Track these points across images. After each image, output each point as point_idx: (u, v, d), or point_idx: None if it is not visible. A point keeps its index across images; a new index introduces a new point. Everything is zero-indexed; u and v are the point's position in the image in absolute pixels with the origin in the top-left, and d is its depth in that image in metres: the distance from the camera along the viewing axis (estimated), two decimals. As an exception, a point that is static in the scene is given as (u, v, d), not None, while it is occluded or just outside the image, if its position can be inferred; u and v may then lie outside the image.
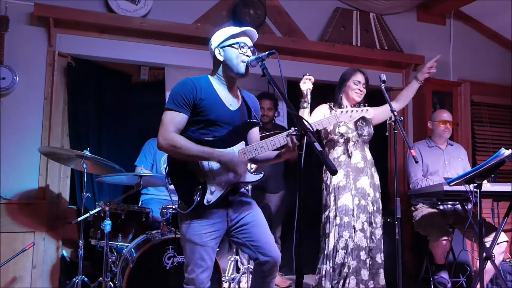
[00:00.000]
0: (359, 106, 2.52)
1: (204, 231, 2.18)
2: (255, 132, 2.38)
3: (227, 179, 2.18)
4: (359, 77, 3.32)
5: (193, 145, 2.14)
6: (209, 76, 2.32)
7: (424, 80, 3.44)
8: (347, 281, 3.10)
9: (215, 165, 2.17)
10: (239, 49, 2.22)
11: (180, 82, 2.25)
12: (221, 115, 2.22)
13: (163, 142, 2.14)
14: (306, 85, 2.95)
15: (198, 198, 2.13)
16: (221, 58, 2.26)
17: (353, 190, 3.20)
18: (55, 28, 3.72)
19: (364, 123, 3.33)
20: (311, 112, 3.19)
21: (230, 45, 2.24)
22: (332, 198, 3.22)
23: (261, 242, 2.24)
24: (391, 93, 4.79)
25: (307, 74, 2.96)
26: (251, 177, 2.23)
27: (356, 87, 3.30)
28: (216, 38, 2.29)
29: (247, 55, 2.22)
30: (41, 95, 3.71)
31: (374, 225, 3.22)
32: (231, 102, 2.29)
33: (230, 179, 2.18)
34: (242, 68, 2.23)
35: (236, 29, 2.27)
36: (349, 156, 3.25)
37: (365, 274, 3.14)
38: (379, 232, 3.24)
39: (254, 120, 2.32)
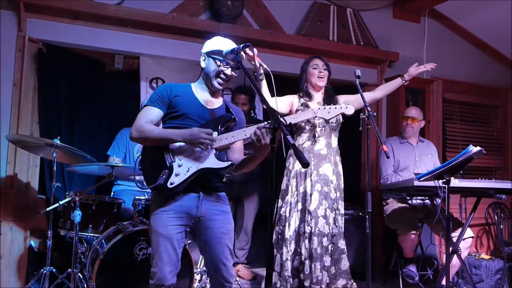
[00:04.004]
0: (334, 100, 2.51)
1: (170, 223, 2.20)
2: (238, 144, 2.36)
3: (192, 159, 2.19)
4: (316, 61, 3.39)
5: (157, 129, 2.23)
6: (192, 84, 2.39)
7: (408, 80, 3.57)
8: (312, 266, 3.16)
9: (183, 148, 2.20)
10: (221, 65, 2.27)
11: (160, 86, 2.40)
12: (195, 110, 2.27)
13: (133, 130, 2.23)
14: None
15: (163, 181, 2.15)
16: (203, 65, 2.34)
17: (313, 176, 3.24)
18: (26, 12, 3.59)
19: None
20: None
21: (214, 58, 2.29)
22: (294, 184, 3.26)
23: (218, 261, 2.26)
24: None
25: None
26: (217, 164, 2.22)
27: (316, 71, 3.36)
28: (209, 44, 2.34)
29: (224, 74, 2.27)
30: (10, 81, 3.59)
31: (337, 211, 3.28)
32: (208, 103, 2.34)
33: (195, 159, 2.19)
34: (215, 83, 2.29)
35: (227, 46, 2.28)
36: (313, 143, 3.29)
37: (327, 260, 3.20)
38: (342, 219, 3.31)
39: (229, 115, 2.31)
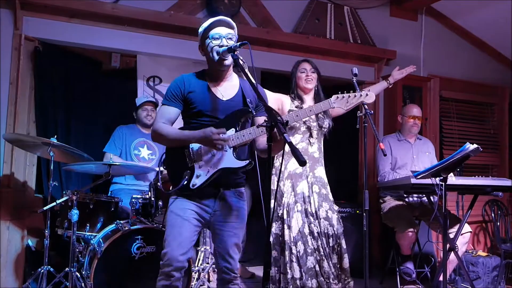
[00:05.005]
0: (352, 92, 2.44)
1: (189, 207, 2.23)
2: (259, 120, 2.34)
3: (211, 160, 2.21)
4: (304, 65, 3.38)
5: (174, 130, 2.23)
6: (205, 70, 2.37)
7: (393, 83, 3.61)
8: (322, 265, 3.14)
9: (202, 149, 2.22)
10: (212, 41, 2.25)
11: (174, 80, 2.35)
12: (211, 106, 2.26)
13: (152, 133, 2.27)
14: None
15: (185, 182, 2.19)
16: (203, 53, 2.33)
17: (310, 178, 3.23)
18: (22, 10, 3.58)
19: (324, 115, 3.36)
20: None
21: (206, 39, 2.27)
22: (289, 185, 3.23)
23: (225, 252, 2.30)
24: (363, 86, 4.84)
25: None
26: (236, 163, 2.22)
27: (303, 75, 3.34)
28: (199, 34, 2.32)
29: (220, 46, 2.22)
30: (7, 80, 3.58)
31: (335, 211, 3.27)
32: (223, 93, 2.31)
33: (214, 159, 2.20)
34: (217, 59, 2.24)
35: (207, 22, 2.27)
36: (308, 144, 3.28)
37: (334, 258, 3.19)
38: (336, 217, 3.29)
39: (245, 108, 2.29)
